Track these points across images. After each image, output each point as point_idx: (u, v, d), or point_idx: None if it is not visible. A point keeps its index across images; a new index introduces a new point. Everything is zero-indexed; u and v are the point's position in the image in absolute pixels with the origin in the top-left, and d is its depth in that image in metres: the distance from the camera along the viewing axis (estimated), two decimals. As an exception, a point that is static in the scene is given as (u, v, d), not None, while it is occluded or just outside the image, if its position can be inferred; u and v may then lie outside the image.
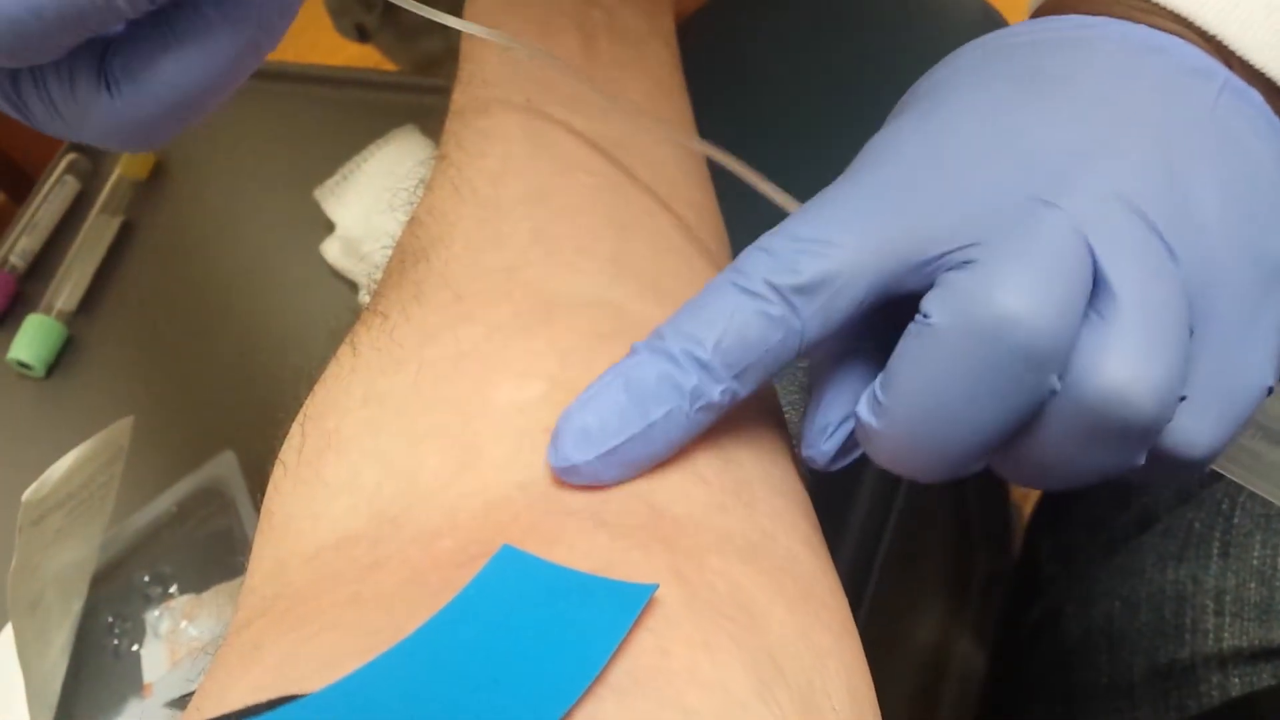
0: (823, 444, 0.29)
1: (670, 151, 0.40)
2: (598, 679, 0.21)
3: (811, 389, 0.31)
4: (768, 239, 0.28)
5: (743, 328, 0.27)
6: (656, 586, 0.23)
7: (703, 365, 0.27)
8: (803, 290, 0.27)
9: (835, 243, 0.27)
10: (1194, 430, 0.26)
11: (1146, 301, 0.25)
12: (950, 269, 0.26)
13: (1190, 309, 0.26)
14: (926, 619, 0.69)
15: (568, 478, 0.27)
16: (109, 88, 0.27)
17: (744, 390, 0.28)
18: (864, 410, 0.27)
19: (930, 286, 0.26)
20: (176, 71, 0.26)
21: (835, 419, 0.29)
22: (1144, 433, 0.26)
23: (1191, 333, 0.26)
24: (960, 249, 0.26)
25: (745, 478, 0.29)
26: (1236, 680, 0.49)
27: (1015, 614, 0.68)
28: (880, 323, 0.29)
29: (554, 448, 0.27)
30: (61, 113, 0.27)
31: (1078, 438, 0.26)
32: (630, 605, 0.23)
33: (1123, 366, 0.25)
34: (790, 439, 0.33)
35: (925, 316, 0.26)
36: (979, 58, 0.31)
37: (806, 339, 0.27)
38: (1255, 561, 0.50)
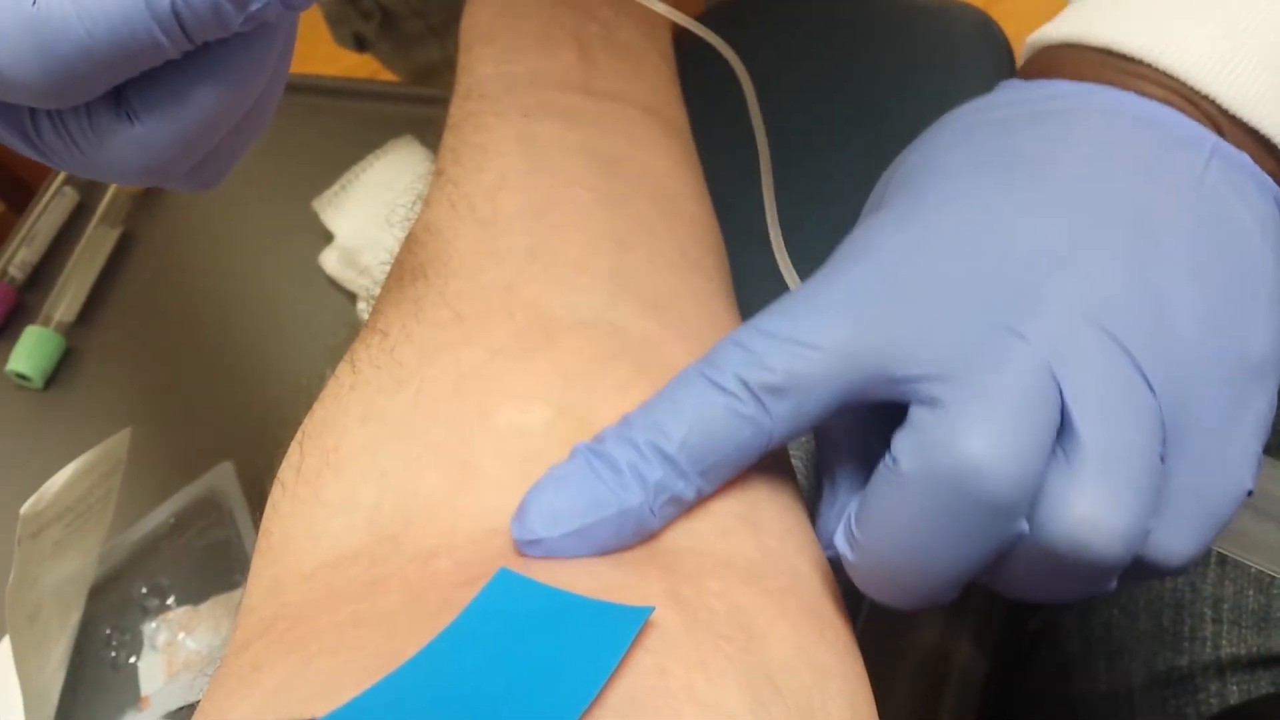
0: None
1: (667, 166, 0.40)
2: (596, 700, 0.21)
3: (824, 486, 0.31)
4: (743, 333, 0.28)
5: (710, 424, 0.27)
6: (653, 609, 0.23)
7: (667, 459, 0.27)
8: (774, 390, 0.27)
9: (809, 344, 0.27)
10: (1172, 543, 0.26)
11: (1111, 442, 0.25)
12: (918, 403, 0.26)
13: (1165, 426, 0.26)
14: (927, 625, 0.68)
15: (528, 551, 0.27)
16: (129, 118, 0.26)
17: (709, 488, 0.28)
18: (840, 542, 0.28)
19: (900, 399, 0.27)
20: (201, 98, 0.26)
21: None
22: (1110, 570, 0.26)
23: (1164, 459, 0.26)
24: (928, 380, 0.26)
25: (753, 499, 0.29)
26: (1235, 688, 0.48)
27: (1015, 621, 0.68)
28: (875, 422, 0.29)
29: (519, 521, 0.27)
30: (80, 145, 0.27)
31: (1045, 573, 0.26)
32: (627, 627, 0.23)
33: (1086, 512, 0.25)
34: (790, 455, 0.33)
35: (894, 460, 0.26)
36: (960, 137, 0.31)
37: (775, 437, 0.28)
38: (1253, 570, 0.50)
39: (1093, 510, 0.25)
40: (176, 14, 0.24)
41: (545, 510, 0.27)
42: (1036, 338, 0.26)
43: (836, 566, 0.29)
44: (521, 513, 0.27)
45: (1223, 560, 0.51)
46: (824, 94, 0.59)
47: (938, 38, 0.61)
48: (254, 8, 0.25)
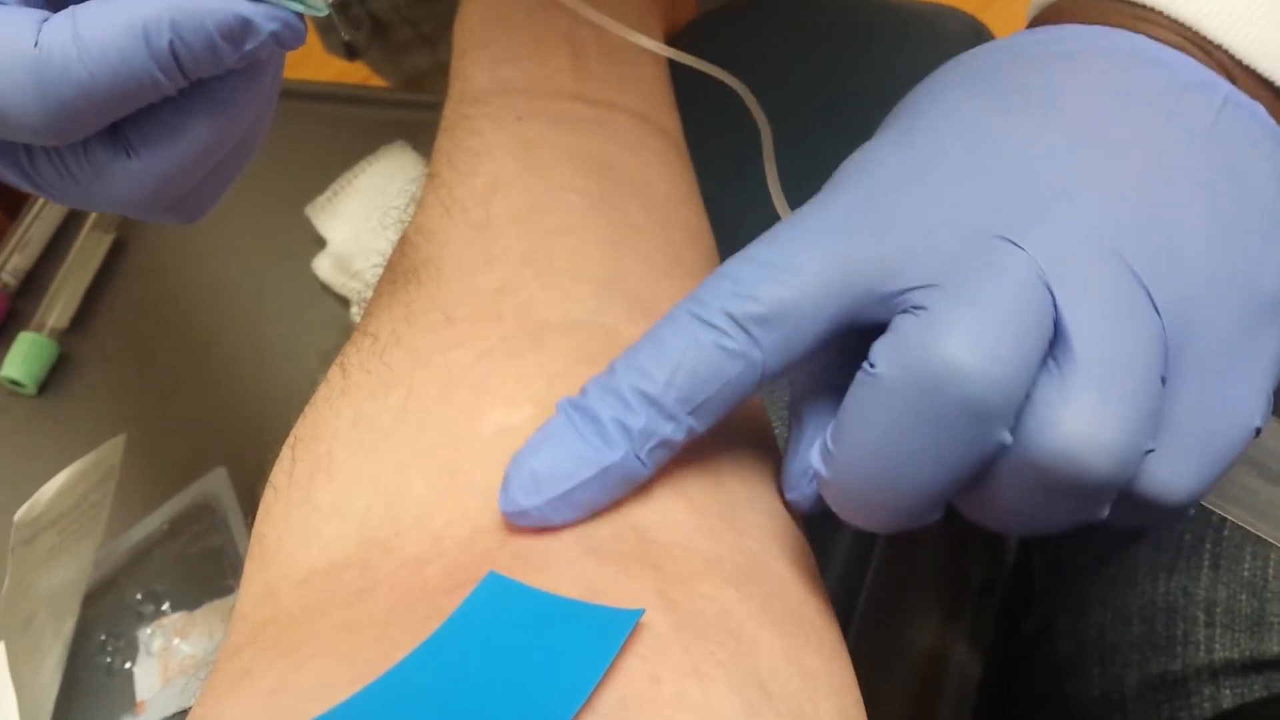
0: (805, 487, 0.29)
1: (660, 170, 0.40)
2: (586, 705, 0.21)
3: (791, 428, 0.30)
4: (731, 264, 0.27)
5: (696, 362, 0.26)
6: (643, 611, 0.23)
7: (652, 402, 0.26)
8: (762, 320, 0.26)
9: (798, 269, 0.26)
10: (1171, 475, 0.25)
11: (1107, 353, 0.24)
12: (903, 312, 0.25)
13: (1168, 352, 0.25)
14: (922, 628, 0.68)
15: (517, 522, 0.26)
16: (126, 152, 0.27)
17: (701, 426, 0.27)
18: (815, 459, 0.26)
19: (889, 316, 0.25)
20: (196, 131, 0.27)
21: None
22: (1101, 490, 0.24)
23: (1165, 380, 0.25)
24: (916, 290, 0.25)
25: (734, 500, 0.29)
26: (1228, 692, 0.48)
27: (1010, 624, 0.68)
28: (859, 357, 0.28)
29: (504, 492, 0.26)
30: (77, 179, 0.28)
31: (1032, 492, 0.25)
32: (617, 630, 0.23)
33: (1076, 425, 0.23)
34: (780, 457, 0.33)
35: (871, 365, 0.25)
36: (964, 73, 0.30)
37: (768, 371, 0.26)
38: (1246, 573, 0.50)
39: (1083, 421, 0.23)
40: (174, 54, 0.25)
41: (525, 476, 0.26)
42: (1034, 247, 0.25)
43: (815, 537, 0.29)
44: (505, 484, 0.26)
45: (1215, 564, 0.51)
46: (815, 99, 0.59)
47: (929, 43, 0.62)
48: (249, 47, 0.26)
